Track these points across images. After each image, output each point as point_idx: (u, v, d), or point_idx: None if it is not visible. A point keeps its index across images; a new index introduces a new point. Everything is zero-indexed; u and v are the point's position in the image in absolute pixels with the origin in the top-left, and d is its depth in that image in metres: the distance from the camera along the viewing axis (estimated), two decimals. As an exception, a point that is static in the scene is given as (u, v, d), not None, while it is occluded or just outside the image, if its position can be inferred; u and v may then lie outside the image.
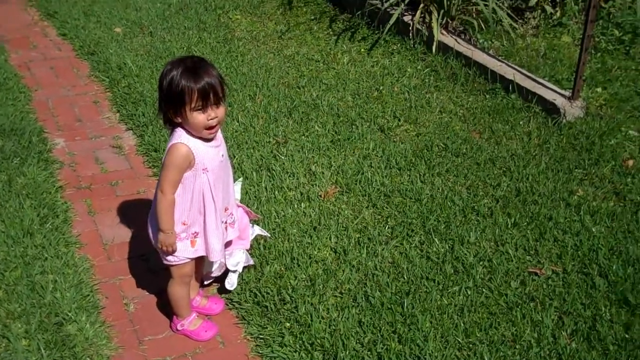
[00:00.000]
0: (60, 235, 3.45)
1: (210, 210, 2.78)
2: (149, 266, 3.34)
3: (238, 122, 4.41)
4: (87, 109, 4.68)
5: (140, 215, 3.63)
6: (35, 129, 4.32)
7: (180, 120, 2.64)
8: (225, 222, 2.90)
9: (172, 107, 2.62)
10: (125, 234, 3.56)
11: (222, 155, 2.80)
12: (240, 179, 3.22)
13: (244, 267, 3.12)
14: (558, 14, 5.54)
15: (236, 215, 2.98)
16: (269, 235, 3.36)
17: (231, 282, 3.12)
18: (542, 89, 4.58)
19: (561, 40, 5.32)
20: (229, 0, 6.30)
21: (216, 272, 3.08)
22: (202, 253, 2.87)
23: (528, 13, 5.56)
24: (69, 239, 3.46)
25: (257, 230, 3.23)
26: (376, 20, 5.61)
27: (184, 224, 2.78)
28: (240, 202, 3.13)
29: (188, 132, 2.68)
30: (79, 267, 3.28)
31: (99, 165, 4.10)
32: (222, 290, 3.15)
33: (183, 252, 2.83)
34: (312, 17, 5.98)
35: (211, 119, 2.62)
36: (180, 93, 2.57)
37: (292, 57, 5.28)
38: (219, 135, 2.81)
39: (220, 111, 2.64)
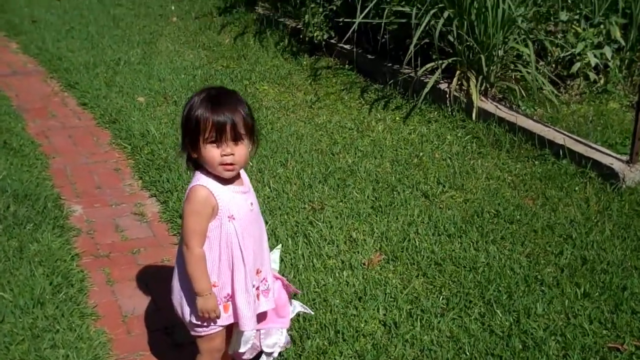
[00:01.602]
0: (75, 306, 3.08)
1: (238, 266, 2.39)
2: (174, 340, 2.95)
3: (270, 188, 4.08)
4: (108, 176, 4.37)
5: (163, 285, 3.22)
6: (51, 195, 4.00)
7: (195, 155, 2.32)
8: (257, 288, 2.50)
9: (189, 139, 2.30)
10: (146, 305, 3.18)
11: (252, 204, 2.44)
12: (279, 246, 2.84)
13: (281, 352, 2.72)
14: (602, 81, 5.25)
15: (271, 284, 2.58)
16: (312, 312, 2.96)
17: (263, 367, 2.71)
18: (596, 154, 4.25)
19: (608, 107, 5.02)
20: (255, 72, 6.08)
21: (247, 354, 2.67)
22: (232, 320, 2.47)
23: (570, 81, 5.28)
24: (85, 310, 3.09)
25: (298, 306, 2.82)
26: (410, 89, 5.34)
27: (215, 286, 2.40)
28: (279, 273, 2.75)
29: (209, 174, 2.34)
30: (95, 341, 2.89)
31: (119, 233, 3.76)
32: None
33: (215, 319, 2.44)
34: (342, 88, 5.73)
35: (225, 155, 2.28)
36: (195, 122, 2.26)
37: (324, 125, 5.00)
38: (246, 181, 2.47)
39: (239, 150, 2.30)
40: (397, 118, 5.11)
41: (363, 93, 5.59)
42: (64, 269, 3.32)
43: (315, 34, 6.28)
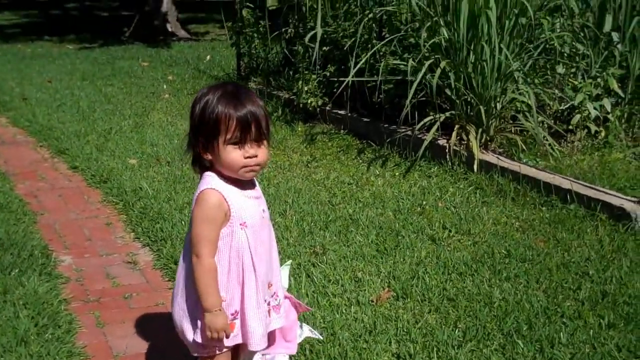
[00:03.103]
0: (62, 345, 2.84)
1: (249, 279, 2.18)
2: (170, 379, 2.70)
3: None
4: (99, 230, 4.18)
5: (159, 326, 3.04)
6: (38, 245, 3.80)
7: (210, 157, 2.12)
8: (268, 304, 2.30)
9: (203, 139, 2.11)
10: (140, 345, 2.94)
11: (264, 211, 2.26)
12: (288, 262, 2.64)
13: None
14: (602, 133, 5.17)
15: (282, 299, 2.38)
16: (321, 336, 2.74)
17: (269, 398, 2.47)
18: (605, 196, 4.12)
19: (612, 157, 4.91)
20: (249, 137, 5.96)
21: (251, 382, 2.44)
22: (239, 340, 2.25)
23: (570, 134, 5.20)
24: (73, 349, 2.84)
25: (307, 330, 2.60)
26: (408, 148, 5.24)
27: (223, 300, 2.19)
28: (288, 291, 2.55)
29: (221, 176, 2.16)
30: (84, 379, 2.64)
31: (110, 280, 3.54)
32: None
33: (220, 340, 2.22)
34: (339, 149, 5.64)
35: (248, 157, 2.10)
36: (215, 121, 2.07)
37: (322, 181, 4.86)
38: (258, 185, 2.29)
39: (262, 151, 2.13)
40: (397, 174, 4.99)
41: (360, 153, 5.49)
42: (50, 312, 3.09)
43: (309, 101, 6.22)
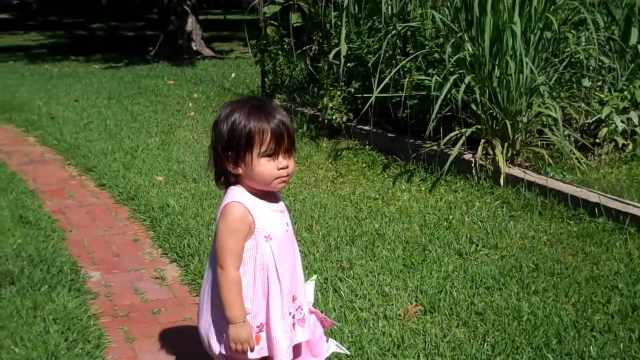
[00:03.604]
0: (92, 360, 2.86)
1: (275, 292, 2.20)
2: (199, 392, 2.71)
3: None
4: (126, 246, 4.21)
5: (187, 341, 3.05)
6: (67, 261, 3.84)
7: (241, 171, 2.15)
8: (293, 317, 2.30)
9: (234, 154, 2.14)
10: (169, 359, 2.95)
11: (287, 224, 2.28)
12: (314, 277, 2.65)
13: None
14: (630, 146, 5.14)
15: (306, 313, 2.39)
16: (348, 352, 2.74)
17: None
18: (634, 209, 4.08)
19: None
20: (274, 153, 5.99)
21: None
22: (265, 353, 2.26)
23: (597, 148, 5.17)
24: (102, 364, 2.86)
25: (333, 345, 2.61)
26: (434, 162, 5.23)
27: (247, 313, 2.20)
28: (313, 306, 2.55)
29: (247, 189, 2.19)
30: (114, 392, 2.66)
31: (138, 295, 3.57)
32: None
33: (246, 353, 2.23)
34: (364, 165, 5.64)
35: (282, 169, 2.14)
36: (248, 135, 2.10)
37: (348, 197, 4.86)
38: (282, 199, 2.32)
39: (291, 162, 2.17)
40: (423, 189, 4.98)
41: (385, 169, 5.49)
42: (79, 327, 3.12)
43: (334, 117, 6.24)
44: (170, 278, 3.76)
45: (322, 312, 3.07)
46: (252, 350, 2.20)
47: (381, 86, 5.24)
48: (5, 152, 6.48)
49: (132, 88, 9.63)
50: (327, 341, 2.56)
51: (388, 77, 5.29)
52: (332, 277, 3.55)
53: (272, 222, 2.20)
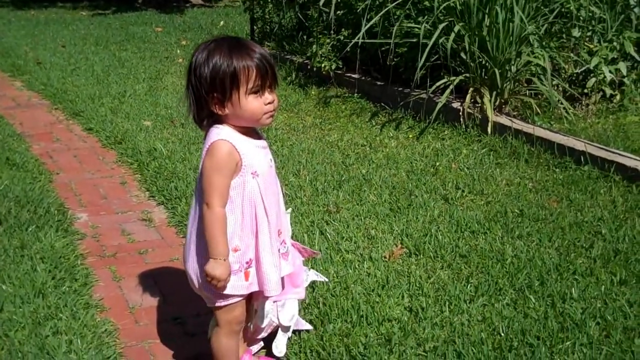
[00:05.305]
0: (79, 297, 2.89)
1: (263, 227, 2.21)
2: (185, 330, 2.74)
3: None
4: (114, 189, 4.22)
5: (174, 280, 3.08)
6: (54, 202, 3.85)
7: (227, 111, 2.13)
8: (278, 251, 2.32)
9: (220, 96, 2.12)
10: (155, 298, 2.99)
11: (271, 160, 2.29)
12: (289, 210, 2.65)
13: (294, 331, 2.52)
14: (618, 97, 5.14)
15: (290, 246, 2.41)
16: (327, 279, 2.79)
17: (279, 348, 2.51)
18: (619, 157, 4.11)
19: (627, 120, 4.89)
20: (263, 100, 5.97)
21: (263, 331, 2.49)
22: (256, 287, 2.28)
23: (585, 98, 5.17)
24: (89, 301, 2.89)
25: (312, 274, 2.65)
26: (422, 111, 5.23)
27: (236, 250, 2.21)
28: (292, 237, 2.57)
29: (231, 127, 2.18)
30: (100, 328, 2.69)
31: (125, 237, 3.58)
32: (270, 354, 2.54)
33: (235, 289, 2.24)
34: (352, 112, 5.63)
35: (269, 103, 2.14)
36: (233, 74, 2.08)
37: (336, 143, 4.87)
38: (264, 136, 2.32)
39: (275, 95, 2.18)
40: (410, 136, 4.99)
41: (374, 116, 5.48)
42: (67, 266, 3.14)
43: (323, 64, 6.20)
44: (158, 220, 3.77)
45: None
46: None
47: (366, 27, 5.20)
48: (-9, 96, 6.44)
49: (119, 35, 9.52)
50: (307, 270, 2.59)
51: (374, 21, 5.25)
52: (319, 220, 3.58)
53: (258, 158, 2.20)
